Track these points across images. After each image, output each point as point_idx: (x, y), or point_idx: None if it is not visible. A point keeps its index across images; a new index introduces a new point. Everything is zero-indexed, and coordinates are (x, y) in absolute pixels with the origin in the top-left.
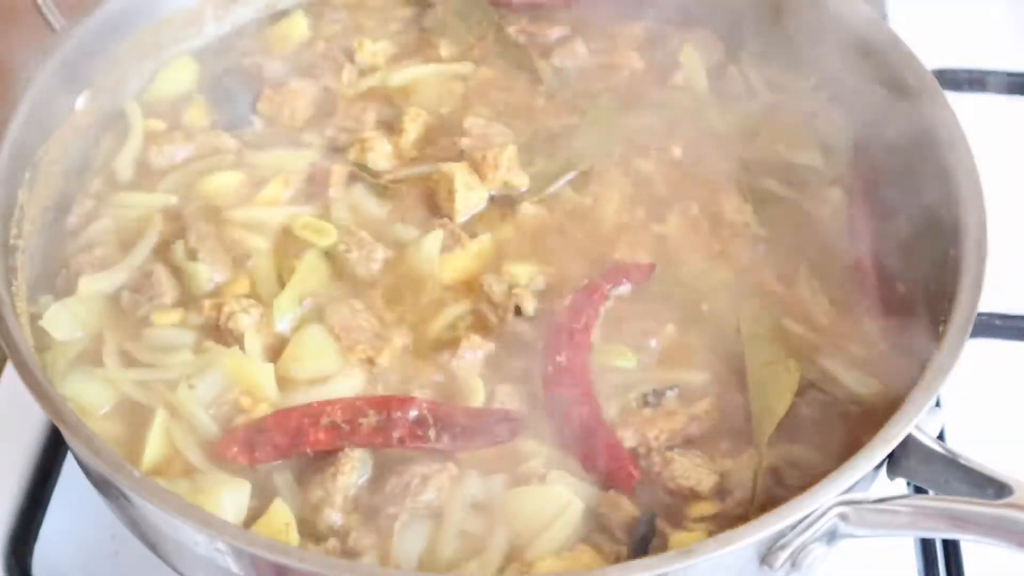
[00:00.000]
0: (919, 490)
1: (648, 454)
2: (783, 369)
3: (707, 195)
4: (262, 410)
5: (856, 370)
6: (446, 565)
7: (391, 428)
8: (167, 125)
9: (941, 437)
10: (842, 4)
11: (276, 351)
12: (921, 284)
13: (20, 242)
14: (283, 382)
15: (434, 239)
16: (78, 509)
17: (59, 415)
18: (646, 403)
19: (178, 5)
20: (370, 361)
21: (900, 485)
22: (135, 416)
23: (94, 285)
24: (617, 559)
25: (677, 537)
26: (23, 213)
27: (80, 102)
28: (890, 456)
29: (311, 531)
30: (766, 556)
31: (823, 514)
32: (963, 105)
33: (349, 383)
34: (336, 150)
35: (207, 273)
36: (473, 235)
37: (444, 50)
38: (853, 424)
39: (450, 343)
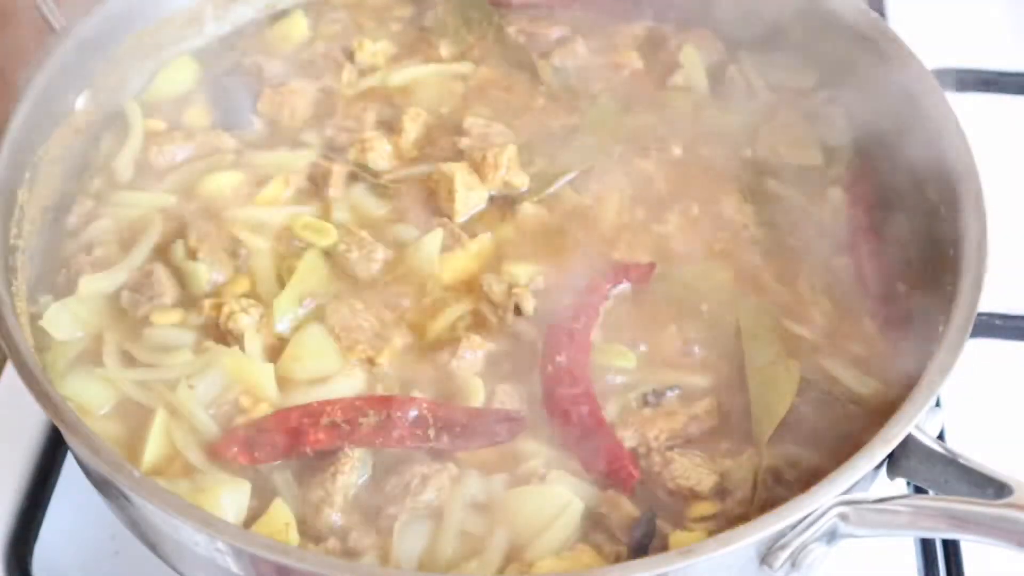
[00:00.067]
0: (919, 490)
1: (648, 454)
2: (783, 369)
3: (707, 195)
4: (262, 410)
5: (856, 370)
6: (446, 565)
7: (391, 428)
8: (167, 125)
9: (941, 437)
10: (842, 4)
11: (276, 351)
12: (921, 284)
13: (20, 242)
14: (283, 382)
15: (434, 239)
16: (78, 509)
17: (59, 415)
18: (646, 403)
19: (178, 5)
20: (370, 361)
21: (900, 485)
22: (135, 416)
23: (94, 285)
24: (617, 559)
25: (677, 537)
26: (23, 213)
27: (80, 102)
28: (890, 456)
29: (311, 531)
30: (766, 556)
31: (823, 514)
32: (963, 105)
33: (349, 383)
34: (336, 150)
35: (207, 273)
36: (473, 235)
37: (444, 50)
38: (853, 424)
39: (450, 343)
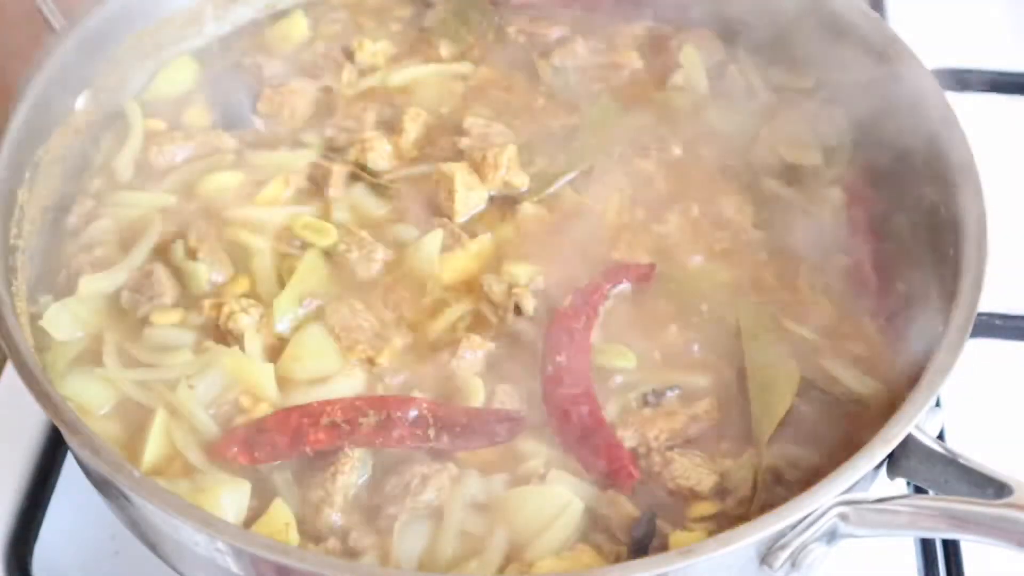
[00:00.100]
0: (919, 490)
1: (648, 454)
2: (783, 369)
3: (707, 195)
4: (262, 410)
5: (856, 370)
6: (446, 565)
7: (391, 428)
8: (167, 125)
9: (941, 437)
10: (842, 4)
11: (276, 351)
12: (921, 284)
13: (20, 242)
14: (283, 382)
15: (434, 239)
16: (78, 509)
17: (59, 415)
18: (646, 403)
19: (178, 5)
20: (370, 361)
21: (900, 485)
22: (135, 416)
23: (94, 285)
24: (617, 559)
25: (677, 537)
26: (23, 213)
27: (80, 102)
28: (890, 456)
29: (311, 531)
30: (766, 556)
31: (823, 514)
32: (963, 105)
33: (349, 383)
34: (336, 150)
35: (207, 273)
36: (473, 235)
37: (444, 50)
38: (853, 424)
39: (450, 343)
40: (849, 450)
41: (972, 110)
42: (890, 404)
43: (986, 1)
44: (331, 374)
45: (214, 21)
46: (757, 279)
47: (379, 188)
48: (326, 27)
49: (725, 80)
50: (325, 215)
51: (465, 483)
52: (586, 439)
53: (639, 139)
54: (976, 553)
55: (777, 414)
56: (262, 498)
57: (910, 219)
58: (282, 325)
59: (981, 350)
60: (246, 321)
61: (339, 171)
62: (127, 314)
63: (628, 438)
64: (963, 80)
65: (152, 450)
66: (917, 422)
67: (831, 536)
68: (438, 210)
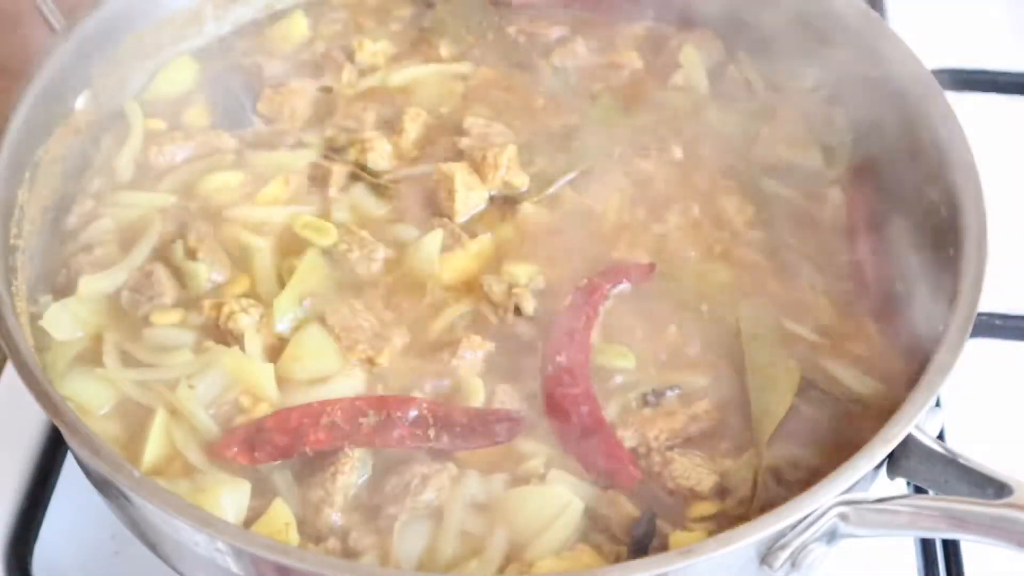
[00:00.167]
0: (919, 490)
1: (648, 454)
2: (783, 369)
3: (707, 195)
4: (262, 410)
5: (856, 370)
6: (446, 565)
7: (391, 428)
8: (167, 125)
9: (941, 437)
10: (841, 4)
11: (276, 351)
12: (921, 284)
13: (20, 242)
14: (283, 382)
15: (434, 239)
16: (78, 509)
17: (59, 415)
18: (646, 403)
19: (178, 5)
20: (370, 361)
21: (900, 485)
22: (135, 416)
23: (94, 285)
24: (617, 559)
25: (677, 537)
26: (23, 213)
27: (80, 102)
28: (890, 456)
29: (311, 531)
30: (766, 556)
31: (823, 514)
32: (963, 105)
33: (349, 383)
34: (336, 150)
35: (207, 273)
36: (473, 235)
37: (444, 50)
38: (853, 424)
39: (450, 343)
40: (849, 450)
41: (972, 110)
42: (890, 404)
43: (986, 1)
44: (331, 374)
45: (214, 21)
46: (757, 279)
47: (379, 188)
48: (326, 27)
49: (725, 80)
50: (325, 215)
51: (465, 483)
52: (586, 439)
53: (639, 139)
54: (976, 553)
55: (777, 414)
56: (262, 498)
57: (910, 219)
58: (282, 325)
59: (981, 350)
60: (246, 321)
61: (339, 171)
62: (127, 314)
63: (628, 438)
64: (963, 80)
65: (152, 450)
66: (917, 422)
67: (831, 536)
68: (438, 210)
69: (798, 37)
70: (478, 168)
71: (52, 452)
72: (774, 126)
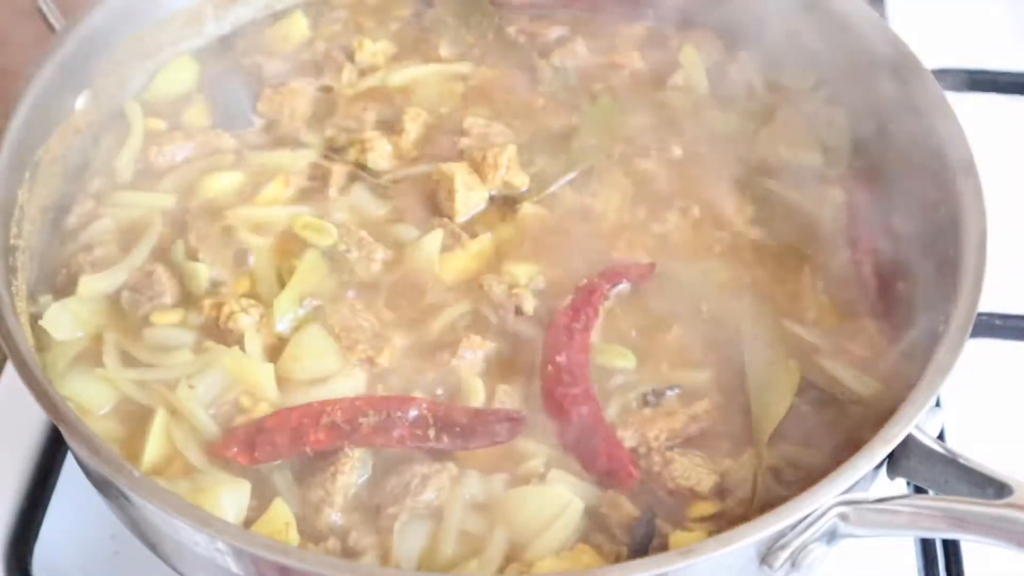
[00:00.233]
0: (919, 490)
1: (648, 454)
2: (783, 369)
3: (707, 195)
4: (262, 410)
5: (856, 370)
6: (446, 565)
7: (391, 428)
8: (167, 125)
9: (941, 437)
10: (842, 4)
11: (276, 351)
12: (921, 284)
13: (20, 242)
14: (283, 382)
15: (434, 239)
16: (78, 509)
17: (59, 415)
18: (646, 403)
19: (178, 5)
20: (370, 361)
21: (900, 485)
22: (135, 416)
23: (94, 285)
24: (617, 559)
25: (677, 537)
26: (23, 213)
27: (80, 102)
28: (890, 456)
29: (311, 531)
30: (766, 556)
31: (823, 514)
32: (963, 105)
33: (349, 383)
34: (336, 150)
35: (207, 273)
36: (473, 235)
37: (444, 50)
38: (853, 424)
39: (450, 343)
40: (849, 450)
41: (972, 110)
42: (890, 404)
43: (986, 1)
44: (331, 374)
45: (214, 21)
46: (757, 279)
47: (379, 188)
48: (326, 27)
49: (725, 80)
50: (325, 215)
51: (465, 483)
52: (586, 439)
53: (639, 139)
54: (976, 553)
55: (777, 414)
56: (262, 498)
57: (910, 219)
58: (282, 325)
59: (981, 350)
60: (246, 321)
61: (339, 171)
62: (127, 314)
63: (628, 438)
64: (964, 80)
65: (152, 450)
66: (917, 422)
67: (831, 536)
68: (438, 210)
69: (798, 37)
70: (478, 168)
71: (52, 452)
72: (774, 126)
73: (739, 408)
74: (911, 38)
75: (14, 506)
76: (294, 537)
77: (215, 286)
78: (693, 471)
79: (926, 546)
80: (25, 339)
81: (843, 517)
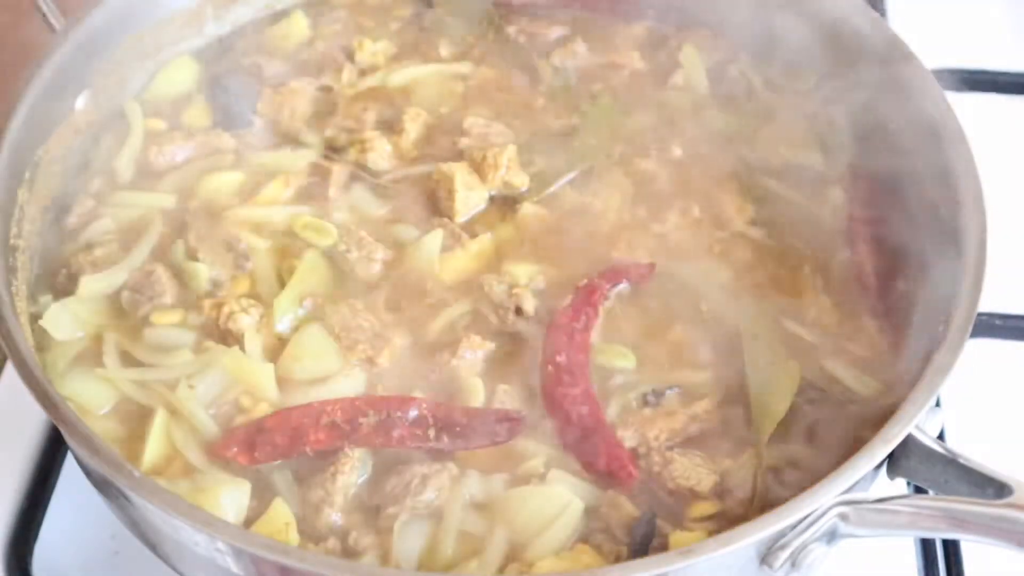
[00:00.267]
0: (919, 490)
1: (648, 454)
2: (783, 369)
3: (707, 195)
4: (262, 410)
5: (856, 370)
6: (446, 565)
7: (391, 428)
8: (167, 125)
9: (941, 437)
10: (842, 4)
11: (276, 351)
12: (921, 284)
13: (20, 242)
14: (283, 382)
15: (434, 239)
16: (78, 509)
17: (59, 415)
18: (646, 403)
19: (178, 5)
20: (370, 361)
21: (900, 485)
22: (135, 416)
23: (94, 285)
24: (617, 559)
25: (677, 537)
26: (23, 213)
27: (80, 102)
28: (890, 456)
29: (311, 531)
30: (766, 556)
31: (823, 514)
32: (963, 105)
33: (349, 383)
34: (336, 150)
35: (207, 273)
36: (473, 235)
37: (444, 50)
38: (853, 424)
39: (450, 343)
40: (849, 450)
41: (972, 110)
42: (890, 404)
43: (986, 1)
44: (331, 374)
45: (214, 21)
46: (757, 279)
47: (379, 188)
48: (326, 27)
49: (725, 80)
50: (325, 215)
51: (465, 483)
52: (586, 439)
53: (639, 139)
54: (976, 553)
55: (777, 414)
56: (262, 498)
57: (910, 219)
58: (282, 325)
59: (981, 350)
60: (246, 321)
61: (339, 171)
62: (127, 314)
63: (628, 438)
64: (963, 80)
65: (152, 450)
66: (917, 422)
67: (831, 536)
68: (438, 210)
69: (798, 37)
70: (478, 168)
71: (52, 452)
72: (774, 126)
73: (739, 408)
74: (911, 38)
75: (14, 506)
76: (294, 537)
77: (215, 286)
78: (693, 471)
79: (926, 546)
80: (25, 339)
81: (843, 517)
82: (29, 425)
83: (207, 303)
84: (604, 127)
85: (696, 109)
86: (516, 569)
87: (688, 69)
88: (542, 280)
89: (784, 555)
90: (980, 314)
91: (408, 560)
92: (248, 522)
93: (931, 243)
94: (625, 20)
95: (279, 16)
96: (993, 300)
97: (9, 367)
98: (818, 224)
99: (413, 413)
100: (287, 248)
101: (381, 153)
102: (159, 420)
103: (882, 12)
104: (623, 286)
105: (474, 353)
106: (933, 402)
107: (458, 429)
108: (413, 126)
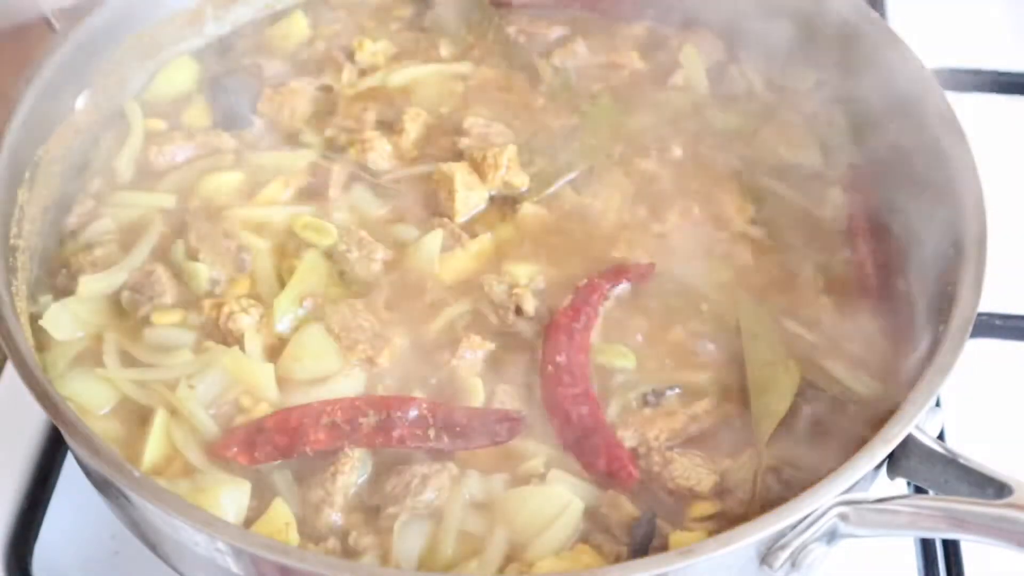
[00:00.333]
0: (919, 490)
1: (648, 454)
2: (783, 369)
3: (707, 195)
4: (262, 410)
5: (856, 370)
6: (446, 565)
7: (391, 428)
8: (167, 125)
9: (941, 437)
10: (842, 4)
11: (276, 351)
12: (921, 284)
13: (20, 242)
14: (283, 382)
15: (434, 239)
16: (78, 509)
17: (59, 415)
18: (646, 403)
19: (178, 5)
20: (370, 361)
21: (900, 485)
22: (135, 416)
23: (94, 285)
24: (617, 559)
25: (677, 537)
26: (23, 213)
27: (80, 102)
28: (890, 456)
29: (311, 531)
30: (766, 556)
31: (823, 514)
32: (963, 105)
33: (349, 383)
34: (336, 150)
35: (207, 273)
36: (473, 235)
37: (444, 50)
38: (853, 424)
39: (450, 343)
40: (849, 450)
41: (972, 110)
42: (890, 404)
43: (986, 1)
44: (331, 374)
45: (214, 21)
46: (757, 279)
47: (379, 188)
48: (326, 27)
49: (725, 80)
50: (325, 215)
51: (465, 483)
52: (586, 439)
53: (639, 139)
54: (976, 553)
55: (777, 414)
56: (262, 498)
57: (910, 219)
58: (282, 325)
59: (981, 350)
60: (246, 321)
61: (339, 171)
62: (127, 314)
63: (628, 438)
64: (963, 80)
65: (152, 450)
66: (917, 422)
67: (831, 536)
68: (438, 210)
69: (798, 37)
70: (478, 168)
71: (52, 452)
72: (774, 126)
73: (739, 408)
74: (911, 38)
75: (14, 506)
76: (294, 537)
77: (215, 286)
78: (693, 471)
79: (926, 546)
80: (25, 339)
81: (843, 517)
82: (29, 425)
83: (207, 303)
84: (604, 127)
85: (696, 109)
86: (516, 569)
87: (688, 69)
88: (542, 280)
89: (784, 555)
90: (980, 314)
91: (408, 560)
92: (248, 522)
93: (931, 243)
94: (625, 20)
95: (279, 16)
96: (993, 300)
97: (9, 367)
98: (818, 224)
99: (413, 413)
100: (287, 248)
101: (381, 153)
102: (159, 420)
103: (882, 12)
104: (623, 286)
105: (474, 353)
106: (933, 402)
107: (458, 429)
108: (413, 126)
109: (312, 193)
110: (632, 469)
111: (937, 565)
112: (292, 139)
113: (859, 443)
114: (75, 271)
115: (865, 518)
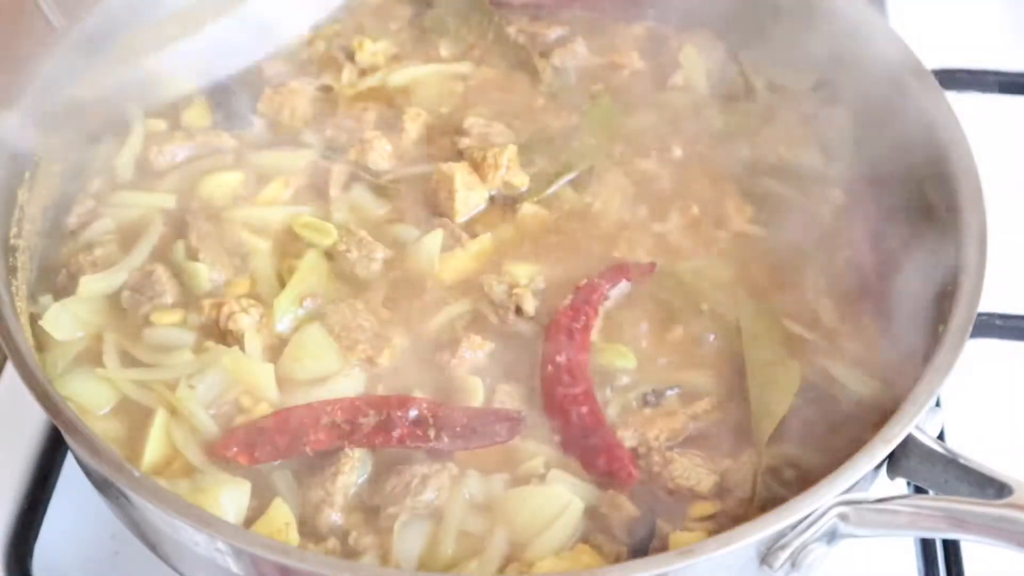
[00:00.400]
0: (919, 490)
1: (648, 454)
2: (783, 369)
3: (707, 195)
4: (262, 410)
5: (856, 370)
6: (446, 565)
7: (391, 428)
8: (167, 125)
9: (941, 437)
10: (842, 4)
11: (276, 351)
12: (921, 284)
13: (20, 242)
14: (283, 382)
15: (434, 239)
16: (78, 509)
17: (59, 415)
18: (646, 403)
19: (178, 5)
20: (370, 361)
21: (900, 485)
22: (135, 416)
23: (94, 285)
24: (617, 559)
25: (677, 537)
26: (23, 213)
27: (80, 102)
28: (890, 456)
29: (311, 531)
30: (766, 556)
31: (823, 514)
32: (963, 105)
33: (349, 383)
34: (336, 150)
35: (207, 273)
36: (473, 235)
37: (444, 50)
38: (853, 424)
39: (450, 343)
40: (849, 450)
41: (972, 110)
42: (890, 404)
43: (986, 1)
44: (331, 374)
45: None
46: (757, 279)
47: (379, 188)
48: (326, 27)
49: (725, 80)
50: (325, 215)
51: (465, 483)
52: (586, 439)
53: (639, 139)
54: (976, 553)
55: (777, 414)
56: (262, 498)
57: (910, 219)
58: (282, 325)
59: (981, 350)
60: (246, 321)
61: (339, 171)
62: (127, 314)
63: (628, 438)
64: (963, 80)
65: (152, 450)
66: (917, 422)
67: (831, 536)
68: (438, 210)
69: (798, 37)
70: (478, 168)
71: (52, 452)
72: (774, 126)
73: (739, 408)
74: (911, 38)
75: (14, 506)
76: (294, 537)
77: (215, 286)
78: (693, 471)
79: (926, 546)
80: (25, 339)
81: (843, 517)
82: (29, 425)
83: (207, 303)
84: (604, 127)
85: (696, 109)
86: (516, 569)
87: (688, 69)
88: (542, 280)
89: (784, 555)
90: (980, 314)
91: (408, 560)
92: (248, 522)
93: (931, 243)
94: (625, 20)
95: None
96: (993, 300)
97: (9, 367)
98: (818, 224)
99: (413, 413)
100: (287, 248)
101: (381, 153)
102: (159, 420)
103: (882, 12)
104: (623, 286)
105: (474, 353)
106: (933, 402)
107: (458, 429)
108: (413, 126)
109: (312, 193)
110: (632, 469)
111: (937, 565)
112: (292, 139)
113: (859, 443)
114: (75, 271)
115: (865, 518)
